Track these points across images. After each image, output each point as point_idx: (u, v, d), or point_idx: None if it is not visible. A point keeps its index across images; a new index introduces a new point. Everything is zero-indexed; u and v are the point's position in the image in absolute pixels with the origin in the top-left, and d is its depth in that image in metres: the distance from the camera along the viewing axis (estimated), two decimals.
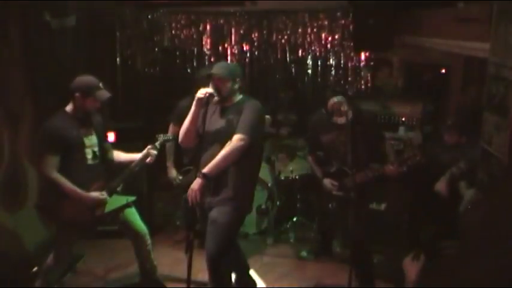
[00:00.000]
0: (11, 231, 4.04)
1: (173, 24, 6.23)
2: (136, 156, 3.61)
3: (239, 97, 3.33)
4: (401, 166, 3.61)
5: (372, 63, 5.87)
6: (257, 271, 4.19)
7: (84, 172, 3.42)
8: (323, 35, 5.92)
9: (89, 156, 3.47)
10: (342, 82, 5.96)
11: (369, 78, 5.89)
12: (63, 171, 3.34)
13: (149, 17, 6.20)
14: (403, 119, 5.16)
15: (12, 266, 3.93)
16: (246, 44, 6.18)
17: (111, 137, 4.47)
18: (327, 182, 3.85)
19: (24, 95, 4.25)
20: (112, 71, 6.07)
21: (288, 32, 6.03)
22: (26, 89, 4.27)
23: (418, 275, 1.68)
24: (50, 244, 3.74)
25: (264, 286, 4.06)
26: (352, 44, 5.48)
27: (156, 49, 6.30)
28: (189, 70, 6.27)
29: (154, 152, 3.58)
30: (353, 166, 3.49)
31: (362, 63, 5.89)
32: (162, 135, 3.69)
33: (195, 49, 6.28)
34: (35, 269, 3.88)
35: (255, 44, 6.17)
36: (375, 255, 4.04)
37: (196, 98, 3.17)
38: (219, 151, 3.15)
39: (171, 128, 4.25)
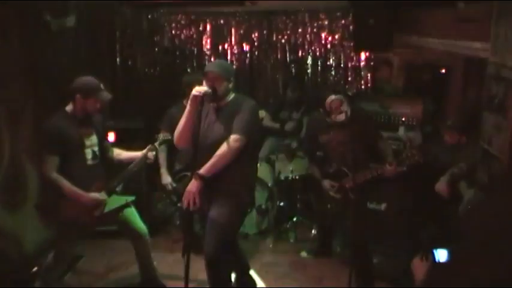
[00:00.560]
0: (11, 231, 4.04)
1: (173, 24, 6.23)
2: (137, 154, 3.61)
3: (232, 96, 3.29)
4: (400, 166, 3.61)
5: (372, 63, 5.87)
6: (257, 271, 4.19)
7: (84, 172, 3.42)
8: (323, 35, 5.92)
9: (89, 156, 3.47)
10: (342, 82, 5.97)
11: (369, 78, 5.89)
12: (63, 171, 3.34)
13: (149, 17, 6.20)
14: (403, 119, 5.16)
15: (12, 266, 3.93)
16: (246, 44, 6.18)
17: (111, 137, 4.47)
18: (326, 182, 3.86)
19: (24, 95, 4.25)
20: (112, 71, 6.06)
21: (288, 32, 6.04)
22: (26, 89, 4.27)
23: (426, 275, 1.68)
24: (50, 244, 3.74)
25: (264, 286, 4.06)
26: (352, 44, 5.48)
27: (156, 49, 6.30)
28: (189, 70, 6.27)
29: (154, 152, 3.58)
30: (352, 166, 3.49)
31: (362, 63, 5.90)
32: (161, 135, 3.69)
33: (195, 49, 6.28)
34: (35, 269, 3.88)
35: (255, 44, 6.17)
36: (375, 255, 4.04)
37: (191, 96, 3.10)
38: (214, 152, 3.10)
39: (161, 134, 4.20)
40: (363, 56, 5.85)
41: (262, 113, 4.88)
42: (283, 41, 6.08)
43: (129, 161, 3.62)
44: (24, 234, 4.11)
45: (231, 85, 3.25)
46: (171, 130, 3.41)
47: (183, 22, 6.23)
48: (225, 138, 3.11)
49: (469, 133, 3.82)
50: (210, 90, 3.10)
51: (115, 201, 3.56)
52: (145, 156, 3.56)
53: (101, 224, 3.79)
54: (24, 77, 4.24)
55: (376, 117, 5.05)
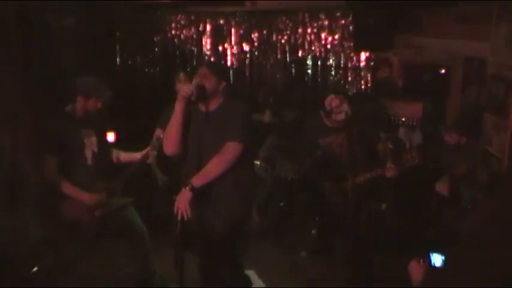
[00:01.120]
0: (11, 231, 4.03)
1: (173, 24, 6.23)
2: (137, 155, 3.60)
3: (223, 100, 3.06)
4: (400, 168, 3.61)
5: (372, 63, 5.87)
6: (257, 271, 4.18)
7: (84, 173, 3.42)
8: (323, 35, 5.92)
9: (89, 156, 3.47)
10: (342, 82, 5.97)
11: (369, 78, 5.89)
12: (63, 171, 3.34)
13: (149, 17, 6.20)
14: (403, 119, 5.16)
15: (12, 266, 3.92)
16: (246, 44, 6.18)
17: (111, 137, 4.46)
18: (327, 184, 3.86)
19: (24, 95, 4.25)
20: (112, 71, 6.06)
21: (288, 32, 6.04)
22: (25, 89, 4.26)
23: (423, 277, 1.68)
24: (50, 244, 3.74)
25: (264, 286, 4.06)
26: (352, 44, 5.48)
27: (156, 49, 6.30)
28: (189, 70, 6.27)
29: (154, 152, 3.58)
30: (352, 168, 3.49)
31: (362, 63, 5.90)
32: (162, 135, 3.69)
33: (195, 49, 6.27)
34: (35, 269, 3.88)
35: (255, 44, 6.17)
36: (375, 256, 4.04)
37: (179, 97, 2.87)
38: (205, 159, 2.93)
39: (156, 132, 4.19)
40: (363, 56, 5.85)
41: (266, 114, 4.87)
42: (283, 41, 6.08)
43: (129, 162, 3.62)
44: (24, 234, 4.10)
45: (221, 86, 3.02)
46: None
47: (183, 22, 6.23)
48: (216, 145, 2.92)
49: (469, 133, 3.82)
50: (196, 84, 2.88)
51: (115, 202, 3.56)
52: (145, 157, 3.56)
53: (101, 225, 3.79)
54: (24, 77, 4.23)
55: (376, 118, 5.05)
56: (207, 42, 6.24)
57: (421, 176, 3.92)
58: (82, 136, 3.44)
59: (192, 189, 2.87)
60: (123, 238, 3.81)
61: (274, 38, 6.10)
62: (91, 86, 3.39)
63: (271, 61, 6.22)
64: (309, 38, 5.99)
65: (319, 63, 6.08)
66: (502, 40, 2.88)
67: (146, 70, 6.33)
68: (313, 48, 6.01)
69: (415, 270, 1.84)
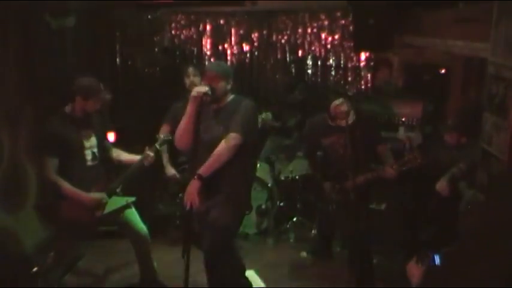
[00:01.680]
0: (10, 231, 4.03)
1: (173, 24, 6.23)
2: (137, 158, 3.61)
3: (231, 97, 3.28)
4: (401, 168, 3.62)
5: (372, 63, 5.87)
6: (257, 271, 4.18)
7: (83, 173, 3.42)
8: (323, 35, 5.92)
9: (89, 157, 3.48)
10: (342, 82, 5.97)
11: (369, 78, 5.89)
12: (62, 172, 3.34)
13: (149, 17, 6.19)
14: (403, 119, 5.16)
15: (12, 266, 3.92)
16: (246, 44, 6.18)
17: (111, 137, 4.46)
18: (327, 184, 3.86)
19: (24, 95, 4.25)
20: (112, 71, 6.06)
21: (288, 32, 6.04)
22: (25, 89, 4.26)
23: (421, 278, 1.68)
24: (50, 244, 3.74)
25: (264, 286, 4.06)
26: (352, 44, 5.48)
27: (156, 49, 6.30)
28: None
29: (153, 153, 3.58)
30: (353, 168, 3.49)
31: (362, 63, 5.90)
32: (162, 135, 3.69)
33: (195, 49, 6.27)
34: (35, 269, 3.88)
35: (255, 44, 6.17)
36: (375, 255, 4.04)
37: (191, 98, 3.10)
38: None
39: (163, 128, 4.23)
40: (363, 56, 5.85)
41: (268, 115, 4.88)
42: (283, 41, 6.08)
43: (129, 162, 3.62)
44: (24, 234, 4.10)
45: (229, 86, 3.24)
46: (175, 125, 3.40)
47: (183, 22, 6.23)
48: (223, 138, 3.11)
49: (469, 133, 3.82)
50: (208, 89, 3.08)
51: (115, 202, 3.56)
52: (145, 158, 3.56)
53: (101, 225, 3.80)
54: (24, 77, 4.23)
55: (376, 118, 5.05)
56: (207, 42, 6.24)
57: (421, 176, 3.92)
58: (81, 137, 3.44)
59: (200, 177, 3.05)
60: (123, 238, 3.81)
61: (274, 38, 6.10)
62: (90, 87, 3.40)
63: (271, 61, 6.22)
64: (309, 38, 5.99)
65: (319, 63, 6.07)
66: (502, 40, 2.87)
67: (146, 70, 6.32)
68: (313, 48, 6.01)
69: (413, 271, 1.84)
